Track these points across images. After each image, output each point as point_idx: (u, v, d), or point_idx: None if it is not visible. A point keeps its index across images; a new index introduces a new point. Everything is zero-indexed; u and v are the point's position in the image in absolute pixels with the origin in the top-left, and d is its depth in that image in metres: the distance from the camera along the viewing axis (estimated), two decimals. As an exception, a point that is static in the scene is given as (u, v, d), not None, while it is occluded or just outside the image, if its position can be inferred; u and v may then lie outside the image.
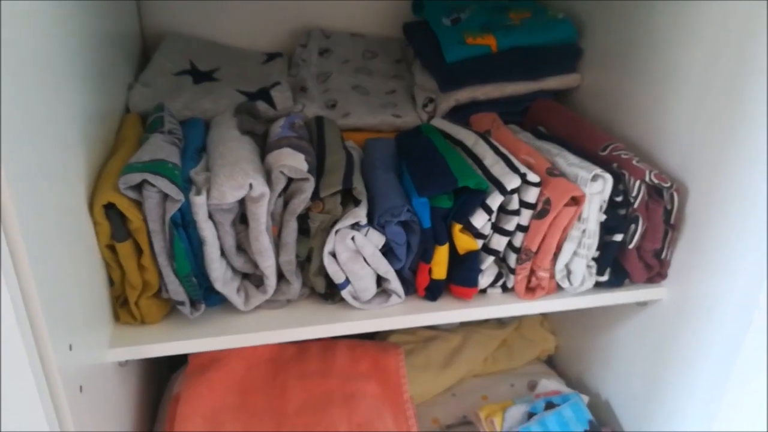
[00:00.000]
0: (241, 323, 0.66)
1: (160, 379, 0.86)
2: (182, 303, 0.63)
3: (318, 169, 0.69)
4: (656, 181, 0.68)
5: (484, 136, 0.78)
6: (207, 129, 0.77)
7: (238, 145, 0.68)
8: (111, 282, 0.64)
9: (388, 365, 0.85)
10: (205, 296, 0.66)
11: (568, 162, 0.71)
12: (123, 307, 0.65)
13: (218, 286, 0.64)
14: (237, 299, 0.66)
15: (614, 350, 0.89)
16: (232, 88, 0.86)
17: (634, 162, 0.70)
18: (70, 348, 0.50)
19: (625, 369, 0.86)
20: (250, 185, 0.61)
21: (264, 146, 0.73)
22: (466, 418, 0.92)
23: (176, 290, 0.62)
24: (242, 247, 0.66)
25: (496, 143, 0.75)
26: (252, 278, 0.68)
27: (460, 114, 0.89)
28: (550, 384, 0.90)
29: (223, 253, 0.65)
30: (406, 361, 0.88)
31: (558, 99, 0.93)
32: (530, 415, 0.83)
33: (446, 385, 0.96)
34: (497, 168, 0.70)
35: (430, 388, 0.95)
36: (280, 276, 0.67)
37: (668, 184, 0.69)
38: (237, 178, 0.61)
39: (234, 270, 0.66)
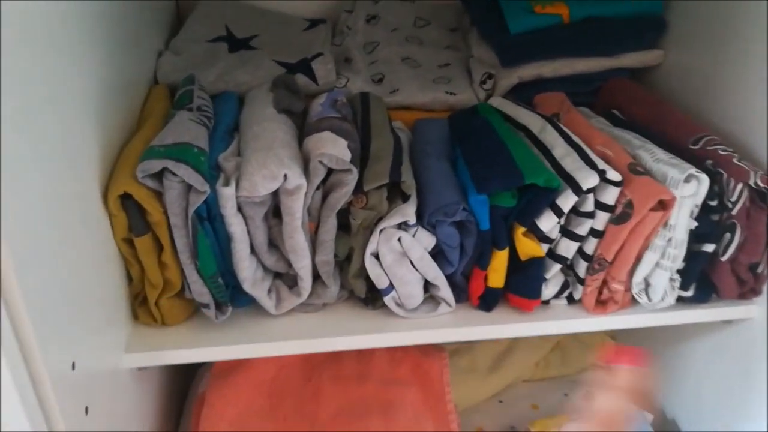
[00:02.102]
0: (272, 329, 0.59)
1: (185, 374, 0.80)
2: (207, 305, 0.56)
3: (362, 156, 0.61)
4: (762, 185, 0.57)
5: (553, 120, 0.67)
6: (241, 104, 0.69)
7: (274, 125, 0.60)
8: (130, 278, 0.57)
9: (430, 370, 0.77)
10: (233, 297, 0.59)
11: (654, 157, 0.61)
12: (142, 306, 0.58)
13: (247, 287, 0.57)
14: (268, 302, 0.58)
15: (686, 365, 0.79)
16: (270, 59, 0.77)
17: (734, 161, 0.60)
18: (73, 367, 0.43)
19: (698, 388, 0.77)
20: (285, 176, 0.53)
21: (303, 126, 0.65)
22: (514, 429, 0.84)
23: (200, 291, 0.56)
24: (275, 244, 0.59)
25: (567, 130, 0.65)
26: (285, 278, 0.61)
27: (523, 93, 0.79)
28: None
29: (253, 251, 0.57)
30: (450, 362, 0.80)
31: (635, 79, 0.81)
32: (587, 434, 0.75)
33: (493, 390, 0.89)
34: (569, 161, 0.60)
35: (475, 393, 0.87)
36: (316, 277, 0.60)
37: (776, 189, 0.58)
38: (270, 167, 0.53)
39: (265, 269, 0.59)
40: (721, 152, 0.61)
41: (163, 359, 0.57)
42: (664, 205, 0.57)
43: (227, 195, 0.53)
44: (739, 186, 0.58)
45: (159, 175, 0.52)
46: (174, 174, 0.51)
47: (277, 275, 0.61)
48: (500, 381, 0.89)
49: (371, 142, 0.63)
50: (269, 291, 0.59)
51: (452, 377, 0.79)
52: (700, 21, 0.74)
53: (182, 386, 0.78)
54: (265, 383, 0.71)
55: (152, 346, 0.57)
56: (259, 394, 0.71)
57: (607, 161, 0.60)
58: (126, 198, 0.52)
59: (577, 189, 0.57)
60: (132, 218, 0.53)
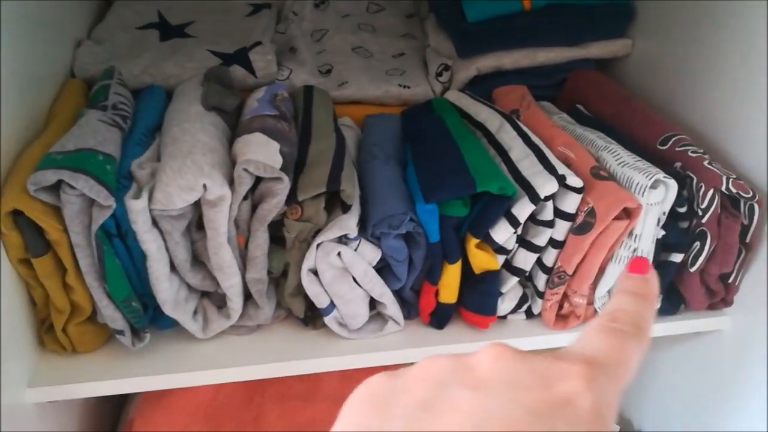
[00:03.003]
0: (200, 355, 0.53)
1: (114, 397, 0.73)
2: (121, 332, 0.50)
3: (299, 161, 0.55)
4: (735, 191, 0.53)
5: (511, 118, 0.62)
6: (169, 101, 0.62)
7: (197, 126, 0.54)
8: (33, 302, 0.50)
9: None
10: (155, 318, 0.53)
11: (618, 159, 0.56)
12: (49, 332, 0.51)
13: (167, 309, 0.50)
14: (193, 325, 0.52)
15: (654, 375, 0.75)
16: (203, 48, 0.70)
17: (705, 164, 0.55)
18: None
19: (665, 399, 0.73)
20: (204, 186, 0.47)
21: (236, 125, 0.58)
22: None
23: (112, 316, 0.49)
24: (201, 260, 0.52)
25: (526, 130, 0.60)
26: (213, 297, 0.55)
27: (482, 85, 0.73)
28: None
29: (173, 269, 0.51)
30: (407, 373, 0.75)
31: (601, 70, 0.76)
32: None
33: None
34: (527, 164, 0.55)
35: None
36: (248, 296, 0.54)
37: (749, 195, 0.53)
38: (187, 176, 0.47)
39: (190, 288, 0.53)
40: (690, 154, 0.56)
41: (72, 393, 0.50)
42: (629, 214, 0.52)
43: (137, 209, 0.46)
44: (710, 192, 0.53)
45: (56, 188, 0.45)
46: (72, 187, 0.44)
47: (205, 294, 0.54)
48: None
49: (310, 144, 0.57)
50: (195, 312, 0.53)
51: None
52: (671, 8, 0.69)
53: (111, 410, 0.71)
54: (202, 407, 0.65)
55: (60, 378, 0.50)
56: (195, 420, 0.65)
57: (569, 164, 0.55)
58: (18, 215, 0.45)
59: (534, 196, 0.52)
60: (28, 237, 0.46)
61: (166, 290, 0.50)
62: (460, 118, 0.65)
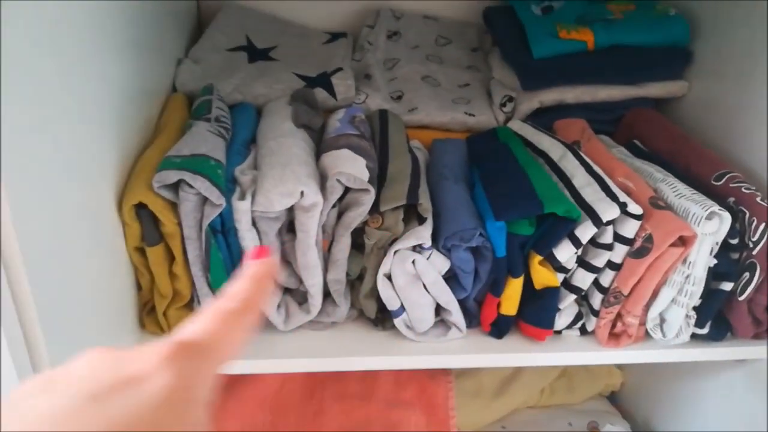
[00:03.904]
0: (279, 346, 0.58)
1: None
2: (215, 319, 0.56)
3: (379, 176, 0.60)
4: (786, 226, 0.56)
5: (574, 148, 0.67)
6: (258, 116, 0.68)
7: (292, 141, 0.60)
8: (139, 287, 0.57)
9: (436, 394, 0.76)
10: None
11: (675, 191, 0.60)
12: (150, 315, 0.57)
13: (256, 302, 0.56)
14: (277, 318, 0.58)
15: (694, 400, 0.77)
16: (289, 71, 0.77)
17: (758, 200, 0.58)
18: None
19: (707, 424, 0.75)
20: (302, 193, 0.53)
21: (320, 141, 0.64)
22: (516, 457, 0.82)
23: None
24: (287, 259, 0.58)
25: (588, 159, 0.64)
26: (295, 294, 0.60)
27: (543, 117, 0.78)
28: (615, 429, 0.80)
29: (264, 266, 0.56)
30: (455, 384, 0.79)
31: (658, 110, 0.80)
32: (592, 468, 0.74)
33: (497, 415, 0.87)
34: (590, 191, 0.59)
35: (478, 417, 0.85)
36: (327, 295, 0.59)
37: (800, 231, 0.57)
38: (287, 184, 0.53)
39: (276, 284, 0.58)
40: (744, 190, 0.60)
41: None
42: (684, 242, 0.56)
43: (243, 209, 0.52)
44: (762, 226, 0.57)
45: (175, 186, 0.52)
46: (190, 186, 0.50)
47: (287, 291, 0.60)
48: (505, 406, 0.87)
49: (389, 162, 0.62)
50: (278, 306, 0.58)
51: (456, 400, 0.78)
52: (726, 53, 0.73)
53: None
54: (269, 398, 0.70)
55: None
56: (262, 410, 0.70)
57: (628, 193, 0.60)
58: (140, 208, 0.51)
59: (596, 220, 0.56)
60: (145, 228, 0.52)
61: (258, 284, 0.55)
62: (524, 145, 0.70)
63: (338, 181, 0.54)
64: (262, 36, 0.87)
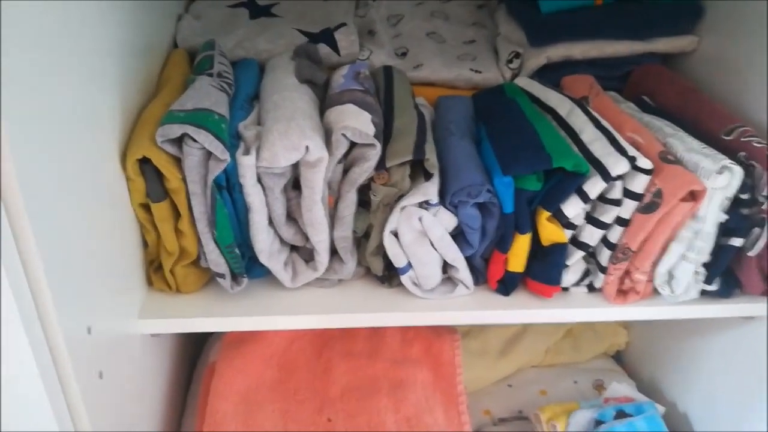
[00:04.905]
0: (287, 302, 0.58)
1: (196, 342, 0.80)
2: (222, 275, 0.56)
3: (385, 132, 0.59)
4: (798, 180, 0.56)
5: (582, 103, 0.66)
6: (261, 72, 0.67)
7: (296, 95, 0.59)
8: (145, 243, 0.56)
9: (442, 351, 0.76)
10: (249, 267, 0.58)
11: (686, 146, 0.59)
12: (157, 272, 0.57)
13: (263, 258, 0.56)
14: (284, 275, 0.58)
15: (700, 358, 0.78)
16: (291, 27, 0.75)
17: (770, 153, 0.58)
18: (89, 331, 0.42)
19: (712, 382, 0.76)
20: (307, 147, 0.52)
21: (324, 98, 0.63)
22: (521, 413, 0.83)
23: (216, 261, 0.55)
24: (293, 216, 0.58)
25: (596, 114, 0.63)
26: (302, 252, 0.60)
27: (550, 74, 0.77)
28: (622, 388, 0.81)
29: (270, 222, 0.56)
30: (461, 344, 0.80)
31: (666, 65, 0.79)
32: (597, 423, 0.74)
33: (503, 374, 0.88)
34: (598, 146, 0.58)
35: (484, 376, 0.86)
36: (333, 252, 0.59)
37: (812, 185, 0.56)
38: (292, 138, 0.52)
39: (282, 241, 0.58)
40: (755, 144, 0.59)
41: (176, 327, 0.56)
42: (694, 196, 0.56)
43: (247, 164, 0.51)
44: (774, 180, 0.56)
45: (179, 141, 0.51)
46: (194, 140, 0.50)
47: (294, 248, 0.60)
48: (510, 365, 0.88)
49: (394, 118, 0.61)
50: (286, 263, 0.58)
51: (462, 359, 0.78)
52: (737, 7, 0.71)
53: (193, 353, 0.78)
54: (276, 355, 0.71)
55: (166, 313, 0.56)
56: (270, 366, 0.70)
57: (638, 148, 0.59)
58: (144, 163, 0.51)
59: (605, 175, 0.55)
60: (150, 183, 0.52)
61: (264, 240, 0.55)
62: (531, 101, 0.69)
63: (344, 135, 0.53)
64: (263, -8, 0.84)
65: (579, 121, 0.63)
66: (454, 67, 0.77)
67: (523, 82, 0.75)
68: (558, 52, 0.76)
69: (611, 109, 0.66)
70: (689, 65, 0.79)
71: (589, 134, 0.60)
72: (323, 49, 0.73)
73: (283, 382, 0.70)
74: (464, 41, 0.84)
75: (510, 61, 0.78)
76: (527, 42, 0.78)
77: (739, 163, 0.57)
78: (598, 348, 0.93)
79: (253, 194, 0.53)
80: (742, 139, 0.61)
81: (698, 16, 0.77)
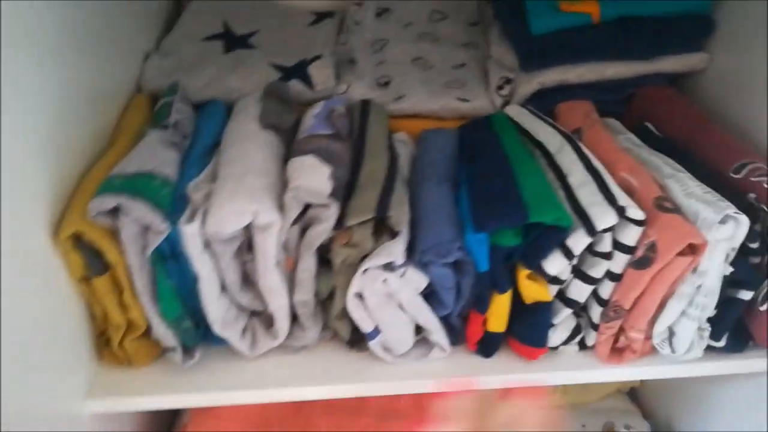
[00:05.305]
0: (248, 373, 0.54)
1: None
2: (173, 349, 0.52)
3: (351, 182, 0.55)
4: (814, 230, 0.49)
5: (572, 139, 0.60)
6: (229, 115, 0.63)
7: (253, 146, 0.55)
8: (94, 315, 0.53)
9: (432, 402, 0.71)
10: (206, 334, 0.54)
11: (685, 189, 0.53)
12: (107, 346, 0.54)
13: (217, 328, 0.52)
14: (241, 344, 0.53)
15: (721, 398, 0.71)
16: (266, 61, 0.71)
17: (782, 197, 0.51)
18: (29, 415, 0.39)
19: (732, 425, 0.69)
20: (255, 212, 0.47)
21: (292, 142, 0.59)
22: (524, 462, 0.78)
23: (164, 334, 0.51)
24: (251, 279, 0.53)
25: (587, 153, 0.57)
26: (263, 317, 0.55)
27: (546, 99, 0.71)
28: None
29: (224, 289, 0.52)
30: (457, 389, 0.74)
31: (674, 86, 0.72)
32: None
33: (504, 418, 0.82)
34: (586, 192, 0.52)
35: (483, 422, 0.81)
36: (296, 317, 0.54)
37: (831, 233, 0.49)
38: (239, 202, 0.48)
39: (240, 307, 0.54)
40: (766, 185, 0.52)
41: (127, 406, 0.52)
42: (694, 250, 0.49)
43: (190, 233, 0.47)
44: (786, 229, 0.49)
45: (116, 210, 0.47)
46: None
47: (254, 314, 0.55)
48: (512, 408, 0.82)
49: (363, 164, 0.57)
50: (244, 331, 0.54)
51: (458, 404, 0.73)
52: (752, 19, 0.64)
53: (169, 415, 0.74)
54: (251, 415, 0.67)
55: (117, 390, 0.52)
56: (246, 426, 0.66)
57: (631, 193, 0.53)
58: (79, 237, 0.47)
59: (590, 229, 0.49)
60: (87, 258, 0.48)
61: (216, 310, 0.51)
62: (518, 136, 0.63)
63: (294, 197, 0.49)
64: (242, 20, 0.81)
65: (567, 160, 0.57)
66: (441, 96, 0.72)
67: (513, 111, 0.69)
68: (552, 76, 0.69)
69: (606, 143, 0.60)
70: (700, 85, 0.72)
71: (577, 177, 0.55)
72: (296, 85, 0.68)
73: (260, 442, 0.66)
74: (453, 65, 0.78)
75: (501, 87, 0.72)
76: (519, 66, 0.72)
77: (748, 206, 0.51)
78: (611, 385, 0.86)
79: (200, 263, 0.49)
80: (752, 179, 0.54)
81: (709, 32, 0.69)
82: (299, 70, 0.70)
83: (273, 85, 0.65)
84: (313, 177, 0.50)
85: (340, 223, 0.51)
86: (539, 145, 0.61)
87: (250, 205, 0.47)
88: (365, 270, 0.50)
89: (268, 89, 0.64)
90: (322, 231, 0.50)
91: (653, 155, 0.59)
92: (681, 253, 0.49)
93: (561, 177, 0.56)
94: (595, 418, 0.83)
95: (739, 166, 0.55)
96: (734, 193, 0.52)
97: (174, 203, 0.50)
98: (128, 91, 0.66)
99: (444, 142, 0.65)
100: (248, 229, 0.50)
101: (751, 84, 0.64)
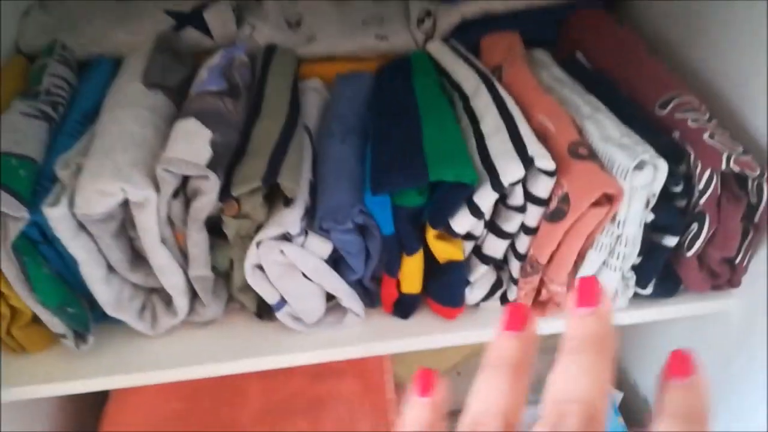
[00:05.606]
0: (156, 353, 0.51)
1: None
2: (63, 335, 0.49)
3: (242, 142, 0.50)
4: (738, 169, 0.45)
5: (489, 79, 0.55)
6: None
7: (130, 113, 0.49)
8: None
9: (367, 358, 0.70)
10: (106, 315, 0.51)
11: (602, 132, 0.48)
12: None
13: (109, 311, 0.48)
14: (139, 324, 0.50)
15: (659, 340, 0.70)
16: (160, 8, 0.64)
17: (705, 137, 0.46)
18: None
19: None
20: (123, 190, 0.43)
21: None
22: (470, 407, 0.77)
23: (51, 321, 0.48)
24: (143, 256, 0.50)
25: (503, 95, 0.52)
26: (162, 293, 0.52)
27: (470, 32, 0.65)
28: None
29: (112, 269, 0.48)
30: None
31: (609, 10, 0.66)
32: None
33: (450, 362, 0.81)
34: (496, 141, 0.48)
35: (431, 364, 0.79)
36: (196, 294, 0.51)
37: (757, 173, 0.45)
38: (104, 180, 0.43)
39: (135, 286, 0.50)
40: (690, 124, 0.48)
41: (30, 393, 0.50)
42: (610, 199, 0.45)
43: (56, 217, 0.43)
44: (707, 171, 0.46)
45: (-30, 198, 0.43)
46: (-20, 199, 0.41)
47: (153, 290, 0.52)
48: (458, 350, 0.81)
49: (255, 123, 0.52)
50: (142, 310, 0.51)
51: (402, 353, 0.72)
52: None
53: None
54: (176, 385, 0.65)
55: (18, 379, 0.50)
56: (173, 395, 0.65)
57: (546, 138, 0.48)
58: (-66, 227, 0.43)
59: (496, 183, 0.45)
60: (-52, 249, 0.44)
61: (105, 292, 0.47)
62: (437, 79, 0.58)
63: (166, 170, 0.44)
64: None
65: (482, 104, 0.52)
66: (357, 35, 0.66)
67: (434, 48, 0.63)
68: (474, 7, 0.64)
69: (525, 82, 0.55)
70: (635, 9, 0.66)
71: (490, 124, 0.50)
72: (192, 34, 0.62)
73: (189, 412, 0.64)
74: (374, -2, 0.72)
75: (421, 21, 0.66)
76: (440, -4, 0.66)
77: (672, 146, 0.47)
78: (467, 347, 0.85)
79: (76, 246, 0.45)
80: (676, 115, 0.50)
81: (644, -56, 0.63)
82: (195, 17, 0.63)
83: (163, 36, 0.59)
84: (189, 146, 0.45)
85: (227, 193, 0.47)
86: (458, 88, 0.56)
87: (116, 183, 0.43)
88: (259, 242, 0.47)
89: (158, 41, 0.58)
90: (205, 203, 0.45)
91: (575, 93, 0.54)
92: (596, 204, 0.45)
93: (475, 123, 0.52)
94: (544, 358, 0.82)
95: (665, 101, 0.51)
96: (657, 133, 0.48)
97: (40, 183, 0.45)
98: (7, 53, 0.59)
99: (356, 89, 0.60)
100: (127, 206, 0.46)
101: (686, 8, 0.58)
